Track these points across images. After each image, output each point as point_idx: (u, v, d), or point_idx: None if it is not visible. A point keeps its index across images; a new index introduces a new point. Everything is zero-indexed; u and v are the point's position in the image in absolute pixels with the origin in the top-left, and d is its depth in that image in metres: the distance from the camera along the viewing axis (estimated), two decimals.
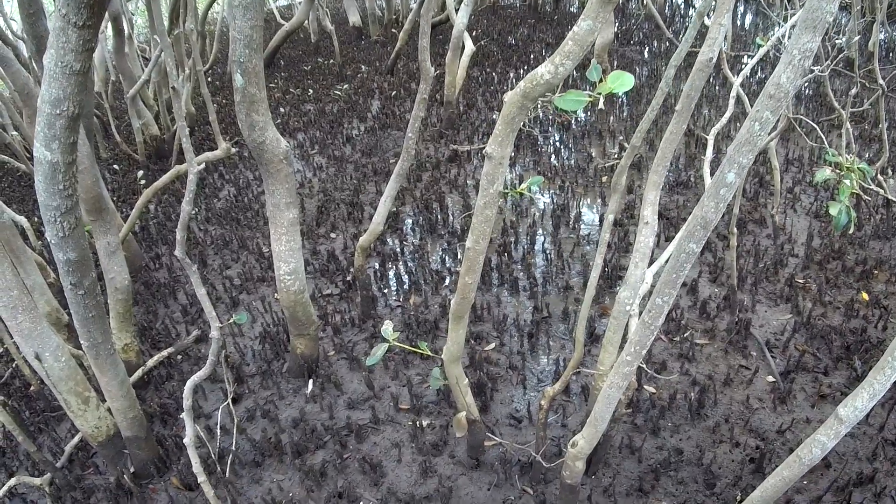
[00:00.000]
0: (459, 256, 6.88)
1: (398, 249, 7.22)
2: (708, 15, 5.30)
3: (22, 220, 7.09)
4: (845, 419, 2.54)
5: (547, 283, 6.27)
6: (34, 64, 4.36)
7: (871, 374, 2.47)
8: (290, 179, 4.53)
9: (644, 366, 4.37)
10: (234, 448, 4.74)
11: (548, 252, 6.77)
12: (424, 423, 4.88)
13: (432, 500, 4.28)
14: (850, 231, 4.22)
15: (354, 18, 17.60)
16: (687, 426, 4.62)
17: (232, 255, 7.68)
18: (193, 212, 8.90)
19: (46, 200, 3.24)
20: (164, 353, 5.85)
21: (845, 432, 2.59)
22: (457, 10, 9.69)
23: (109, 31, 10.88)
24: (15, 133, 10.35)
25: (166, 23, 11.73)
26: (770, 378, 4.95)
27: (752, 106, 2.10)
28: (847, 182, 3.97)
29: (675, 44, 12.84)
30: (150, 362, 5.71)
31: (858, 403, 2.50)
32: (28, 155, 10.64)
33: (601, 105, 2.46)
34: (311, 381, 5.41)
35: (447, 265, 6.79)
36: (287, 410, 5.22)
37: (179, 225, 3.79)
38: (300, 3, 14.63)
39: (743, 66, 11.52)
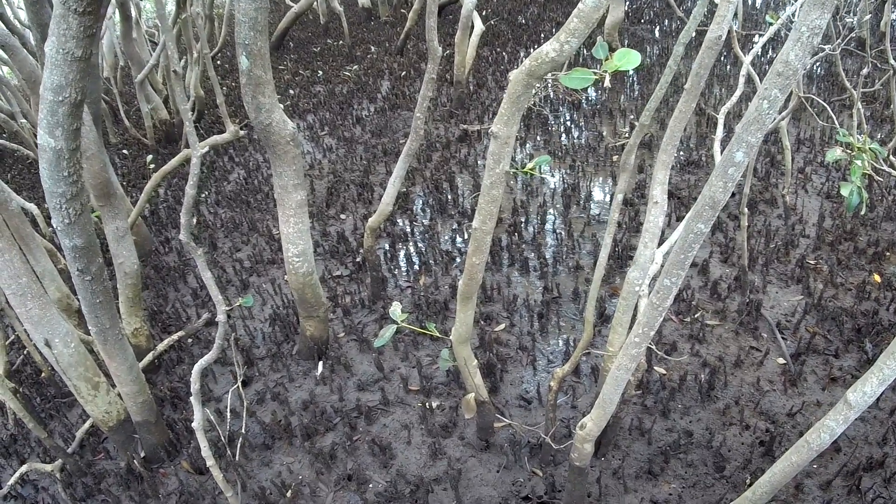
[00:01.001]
0: (469, 236, 6.86)
1: (408, 230, 7.20)
2: None
3: (31, 206, 7.11)
4: (854, 404, 2.52)
5: (557, 263, 6.25)
6: (40, 52, 4.36)
7: (880, 358, 2.44)
8: (298, 161, 4.51)
9: (654, 347, 4.35)
10: (244, 431, 4.75)
11: (558, 232, 6.74)
12: (434, 405, 4.88)
13: (442, 482, 4.28)
14: (862, 212, 4.16)
15: None
16: (697, 408, 4.60)
17: (242, 237, 7.69)
18: (203, 195, 8.91)
19: (51, 187, 3.23)
20: (174, 336, 5.87)
21: (854, 417, 2.56)
22: None
23: (117, 17, 10.85)
24: (24, 121, 10.37)
25: (173, 7, 11.70)
26: (781, 360, 4.92)
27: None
28: (858, 162, 3.93)
29: (686, 22, 12.71)
30: (161, 346, 5.72)
31: (868, 388, 2.47)
32: (36, 142, 10.66)
33: (607, 83, 2.43)
34: (320, 363, 5.42)
35: (457, 245, 6.77)
36: (297, 393, 5.23)
37: (184, 209, 3.78)
38: None
39: (754, 44, 11.42)
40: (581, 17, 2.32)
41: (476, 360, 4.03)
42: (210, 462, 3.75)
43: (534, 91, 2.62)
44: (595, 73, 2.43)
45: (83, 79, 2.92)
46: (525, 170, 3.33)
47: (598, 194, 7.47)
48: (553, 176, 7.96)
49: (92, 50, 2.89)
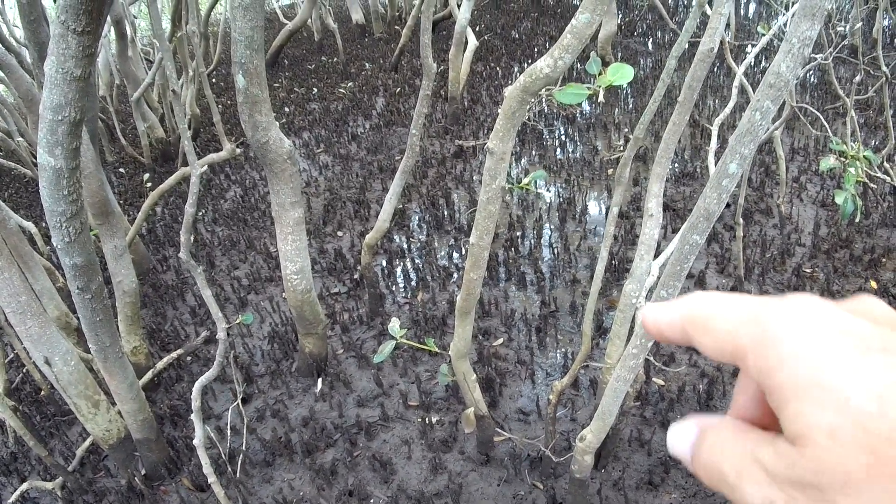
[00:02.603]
0: (466, 252, 6.88)
1: (405, 246, 7.22)
2: (709, 4, 5.28)
3: (29, 225, 7.11)
4: None
5: (554, 277, 6.27)
6: (37, 70, 4.38)
7: None
8: (295, 179, 4.53)
9: (652, 358, 4.36)
10: (244, 448, 4.75)
11: (554, 246, 6.77)
12: (434, 420, 4.89)
13: (442, 496, 4.28)
14: (857, 219, 4.20)
15: (357, 16, 17.59)
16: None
17: (239, 255, 7.70)
18: (200, 213, 8.93)
19: (51, 206, 3.25)
20: (174, 354, 5.87)
21: None
22: (459, 6, 9.67)
23: (112, 35, 10.90)
24: (20, 139, 10.38)
25: (168, 25, 11.75)
26: None
27: None
28: (852, 170, 3.96)
29: (679, 34, 12.77)
30: (160, 364, 5.73)
31: None
32: (34, 160, 10.67)
33: (601, 98, 2.45)
34: (319, 380, 5.42)
35: (454, 261, 6.80)
36: (297, 409, 5.23)
37: (183, 228, 3.79)
38: (303, 1, 14.63)
39: (746, 54, 11.48)
40: (574, 32, 2.35)
41: (475, 375, 4.04)
42: (211, 479, 3.75)
43: (528, 106, 2.64)
44: (589, 88, 2.45)
45: (82, 98, 2.95)
46: (521, 185, 3.35)
47: (593, 208, 7.50)
48: (549, 191, 7.99)
49: (91, 69, 2.92)
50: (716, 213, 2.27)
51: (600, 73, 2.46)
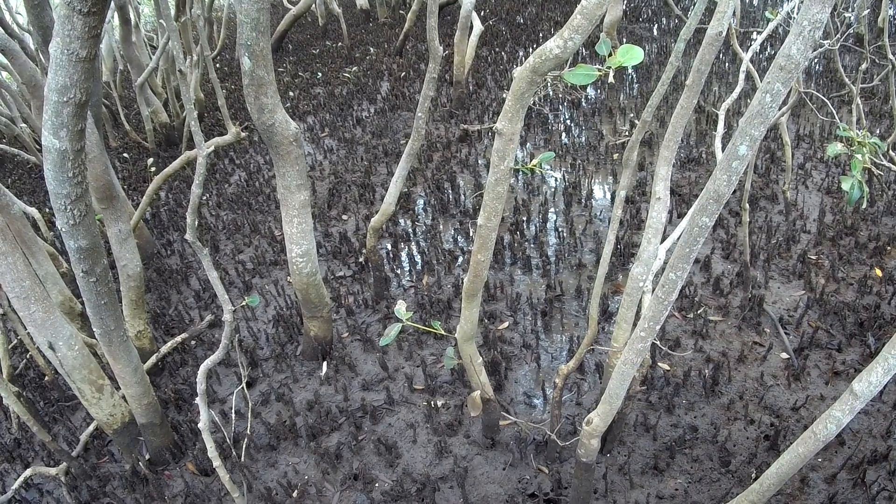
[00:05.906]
0: (472, 235, 6.86)
1: (410, 230, 7.21)
2: None
3: (33, 211, 7.11)
4: (860, 394, 2.52)
5: (560, 261, 6.26)
6: (40, 56, 4.37)
7: (885, 349, 2.45)
8: (301, 161, 4.52)
9: (658, 343, 4.36)
10: (248, 432, 4.76)
11: (560, 230, 6.75)
12: (439, 404, 4.89)
13: (448, 480, 4.29)
14: (863, 206, 4.17)
15: (362, 1, 17.53)
16: (701, 403, 4.60)
17: (244, 239, 7.70)
18: (204, 198, 8.91)
19: (56, 188, 3.24)
20: (178, 338, 5.87)
21: (860, 408, 2.57)
22: None
23: (116, 21, 10.87)
24: (24, 125, 10.38)
25: (172, 9, 11.71)
26: (784, 355, 4.92)
27: (762, 81, 2.08)
28: (859, 156, 3.93)
29: (684, 20, 12.72)
30: (164, 348, 5.73)
31: (873, 378, 2.48)
32: (37, 147, 10.68)
33: (611, 79, 2.43)
34: (325, 364, 5.42)
35: (459, 244, 6.78)
36: (301, 393, 5.23)
37: (189, 208, 3.78)
38: None
39: (752, 41, 11.42)
40: (584, 13, 2.33)
41: (481, 358, 4.04)
42: (216, 463, 3.76)
43: (536, 88, 2.63)
44: (598, 70, 2.43)
45: (87, 79, 2.93)
46: (529, 166, 3.33)
47: (599, 192, 7.48)
48: (554, 173, 7.96)
49: (96, 51, 2.90)
50: (726, 196, 2.26)
51: (610, 55, 2.44)
